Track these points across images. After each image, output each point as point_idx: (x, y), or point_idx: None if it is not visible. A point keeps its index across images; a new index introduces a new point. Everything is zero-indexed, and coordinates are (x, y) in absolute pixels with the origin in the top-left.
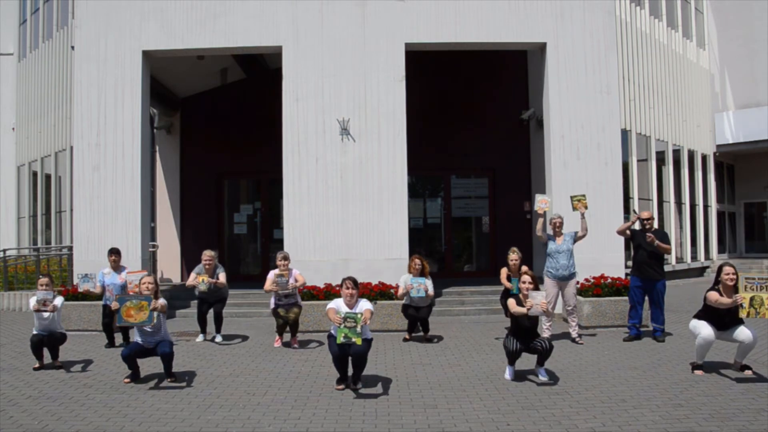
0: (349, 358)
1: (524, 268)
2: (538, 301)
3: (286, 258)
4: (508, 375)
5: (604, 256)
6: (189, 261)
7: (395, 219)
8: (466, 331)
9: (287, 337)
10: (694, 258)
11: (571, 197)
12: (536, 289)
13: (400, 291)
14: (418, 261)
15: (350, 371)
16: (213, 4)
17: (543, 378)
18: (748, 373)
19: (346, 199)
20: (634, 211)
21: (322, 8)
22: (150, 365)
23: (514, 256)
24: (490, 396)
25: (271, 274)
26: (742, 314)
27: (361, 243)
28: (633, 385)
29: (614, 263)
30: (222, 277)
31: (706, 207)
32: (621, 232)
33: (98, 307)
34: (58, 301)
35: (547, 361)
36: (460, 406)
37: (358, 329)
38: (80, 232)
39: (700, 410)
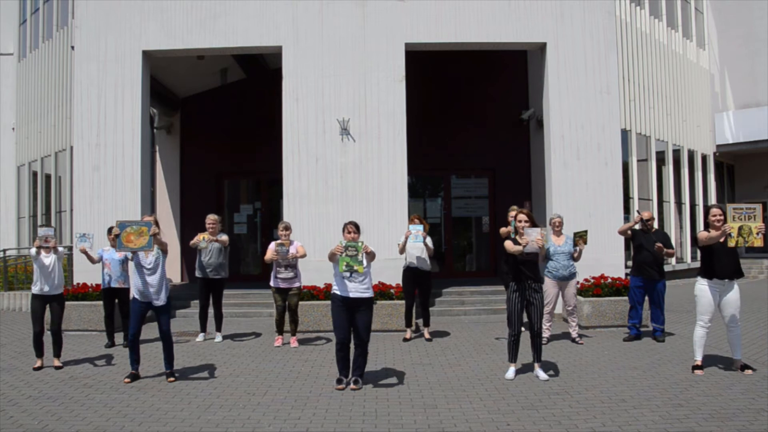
0: (350, 360)
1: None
2: (533, 237)
3: (287, 228)
4: (508, 375)
5: (604, 256)
6: (189, 261)
7: (395, 219)
8: (466, 331)
9: (287, 337)
10: (694, 258)
11: (575, 234)
12: (534, 226)
13: (402, 241)
14: (417, 219)
15: (350, 371)
16: (213, 4)
17: (543, 377)
18: (748, 372)
19: (346, 199)
20: (637, 211)
21: (322, 8)
22: (150, 365)
23: (514, 213)
24: (490, 396)
25: (272, 244)
26: (731, 243)
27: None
28: (633, 385)
29: (614, 263)
30: (224, 237)
31: (706, 207)
32: (622, 233)
33: (98, 307)
34: (61, 248)
35: (546, 360)
36: (460, 406)
37: (360, 257)
38: (80, 231)
39: (700, 410)
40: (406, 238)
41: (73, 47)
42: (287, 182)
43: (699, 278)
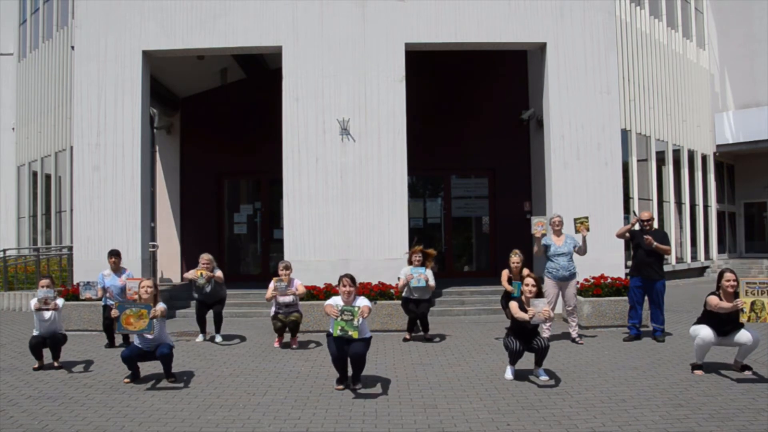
0: (348, 360)
1: (526, 271)
2: (540, 309)
3: (287, 267)
4: (508, 375)
5: (604, 256)
6: (189, 261)
7: (395, 219)
8: (466, 331)
9: (287, 337)
10: (694, 258)
11: (575, 219)
12: (539, 294)
13: (401, 283)
14: (417, 251)
15: (350, 371)
16: (213, 4)
17: (543, 378)
18: (748, 373)
19: (346, 199)
20: (633, 212)
21: (322, 8)
22: (150, 365)
23: (515, 258)
24: (490, 396)
25: (272, 282)
26: (743, 319)
27: (361, 243)
28: (633, 385)
29: (614, 263)
30: (219, 273)
31: (706, 207)
32: (621, 235)
33: (98, 308)
34: (60, 301)
35: (546, 360)
36: (460, 406)
37: (355, 322)
38: (80, 232)
39: (700, 410)
40: (408, 282)
41: (73, 47)
42: (287, 182)
43: (695, 325)
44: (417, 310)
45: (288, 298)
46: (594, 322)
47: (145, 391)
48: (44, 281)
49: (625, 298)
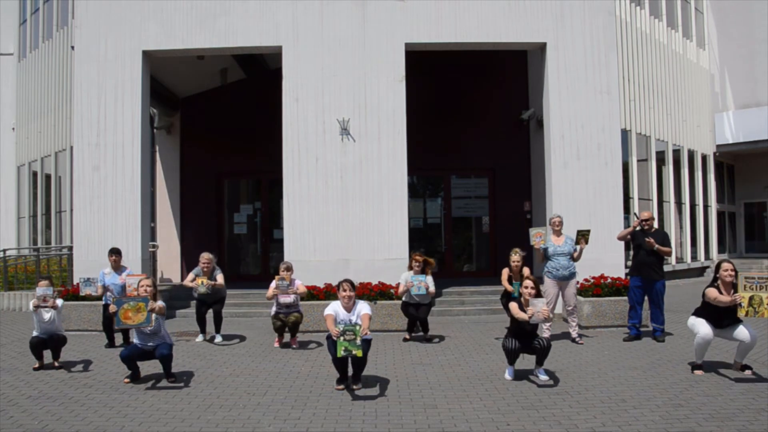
0: (349, 359)
1: (526, 271)
2: (539, 308)
3: (289, 269)
4: (508, 375)
5: (604, 256)
6: (189, 261)
7: (395, 219)
8: (466, 331)
9: (287, 337)
10: (694, 258)
11: (578, 231)
12: (538, 295)
13: (401, 289)
14: (418, 260)
15: (350, 371)
16: (213, 4)
17: (543, 378)
18: (748, 373)
19: (346, 199)
20: (635, 214)
21: (322, 8)
22: (150, 365)
23: (516, 257)
24: (490, 396)
25: (273, 282)
26: (741, 313)
27: (361, 243)
28: (633, 385)
29: (614, 263)
30: (220, 278)
31: (706, 207)
32: (622, 238)
33: (98, 307)
34: (59, 301)
35: (546, 360)
36: (460, 406)
37: (358, 341)
38: (80, 232)
39: (700, 410)
40: (408, 289)
41: (73, 47)
42: (287, 182)
43: (693, 317)
44: (417, 313)
45: (289, 299)
46: (594, 322)
47: (145, 391)
48: (43, 282)
49: (625, 298)
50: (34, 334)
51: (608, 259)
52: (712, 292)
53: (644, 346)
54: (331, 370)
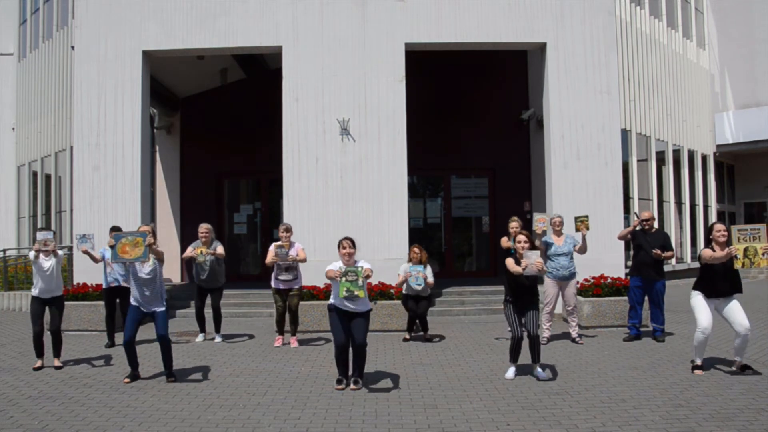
0: (350, 351)
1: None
2: (533, 260)
3: (288, 230)
4: (509, 375)
5: (604, 256)
6: (189, 261)
7: (395, 219)
8: (466, 331)
9: (287, 337)
10: (694, 258)
11: (575, 218)
12: (532, 248)
13: (399, 279)
14: (417, 249)
15: (350, 372)
16: (213, 4)
17: (542, 376)
18: (748, 372)
19: (346, 199)
20: (635, 214)
21: (322, 8)
22: (150, 365)
23: (514, 224)
24: (490, 396)
25: (272, 246)
26: (737, 265)
27: (361, 243)
28: (633, 385)
29: (614, 263)
30: (220, 249)
31: (706, 207)
32: (622, 238)
33: (98, 307)
34: (61, 252)
35: (546, 360)
36: (460, 406)
37: (360, 282)
38: (80, 232)
39: (700, 410)
40: (406, 279)
41: (73, 47)
42: (287, 182)
43: (694, 291)
44: (417, 308)
45: (289, 274)
46: (594, 322)
47: (145, 391)
48: (43, 229)
49: (625, 298)
50: (34, 293)
51: (608, 259)
52: (707, 252)
53: (644, 346)
54: (332, 370)
